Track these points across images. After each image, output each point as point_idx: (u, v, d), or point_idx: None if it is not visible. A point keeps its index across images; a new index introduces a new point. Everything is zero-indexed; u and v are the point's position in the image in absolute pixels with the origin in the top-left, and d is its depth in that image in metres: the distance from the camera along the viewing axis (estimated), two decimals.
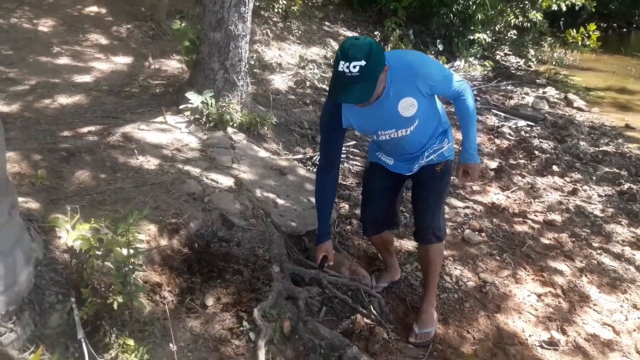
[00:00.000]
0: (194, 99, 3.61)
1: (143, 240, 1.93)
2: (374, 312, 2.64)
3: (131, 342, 1.82)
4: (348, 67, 1.89)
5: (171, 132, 3.56)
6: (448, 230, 3.63)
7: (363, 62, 1.89)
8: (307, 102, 5.08)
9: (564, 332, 2.80)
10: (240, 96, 3.94)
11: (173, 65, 5.40)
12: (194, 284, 2.40)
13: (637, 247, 3.74)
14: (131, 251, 1.76)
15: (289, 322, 2.27)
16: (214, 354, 2.11)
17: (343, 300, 2.66)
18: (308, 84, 5.51)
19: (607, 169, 5.22)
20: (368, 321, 2.58)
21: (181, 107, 3.71)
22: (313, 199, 3.26)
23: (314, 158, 3.99)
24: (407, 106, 2.19)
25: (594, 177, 4.99)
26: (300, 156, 3.95)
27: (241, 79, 3.91)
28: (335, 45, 7.24)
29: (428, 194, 2.53)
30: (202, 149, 3.44)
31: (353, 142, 4.31)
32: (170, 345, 1.75)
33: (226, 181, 3.10)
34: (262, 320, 2.20)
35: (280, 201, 3.11)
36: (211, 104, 3.67)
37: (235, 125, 3.77)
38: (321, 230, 2.48)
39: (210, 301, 2.34)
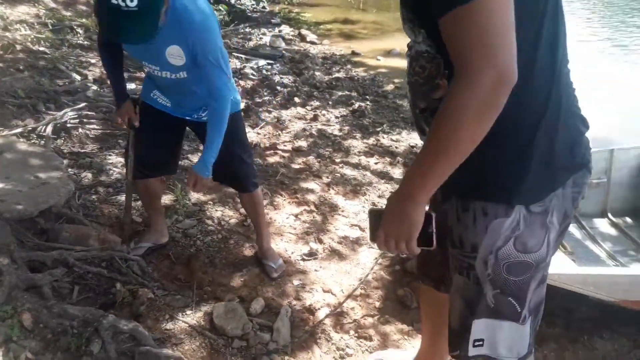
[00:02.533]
0: None
1: None
2: (135, 275, 2.50)
3: None
4: (124, 1, 1.63)
5: None
6: None
7: None
8: (21, 67, 4.37)
9: (320, 242, 3.07)
10: None
11: None
12: None
13: (370, 155, 4.27)
14: None
15: (29, 313, 1.98)
16: None
17: (97, 273, 2.44)
18: (19, 47, 4.73)
19: (340, 93, 5.80)
20: (130, 286, 2.43)
21: None
22: (42, 175, 2.87)
23: (38, 129, 3.48)
24: (175, 55, 2.05)
25: (330, 102, 5.50)
26: (19, 130, 3.40)
27: None
28: (48, 2, 6.33)
29: (228, 150, 2.33)
30: None
31: (84, 104, 3.88)
32: None
33: None
34: None
35: None
36: None
37: None
38: (116, 94, 2.42)
39: None
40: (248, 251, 2.90)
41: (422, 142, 1.24)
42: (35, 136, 3.43)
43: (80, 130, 3.69)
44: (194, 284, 2.54)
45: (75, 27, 5.99)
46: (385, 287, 2.70)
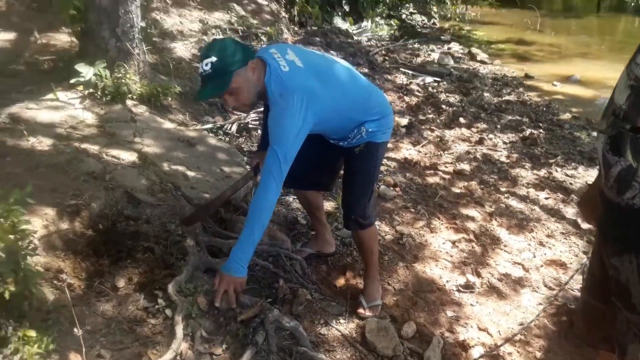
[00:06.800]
0: (85, 71, 3.33)
1: (29, 221, 1.74)
2: (296, 274, 2.62)
3: (33, 333, 1.67)
4: (203, 66, 1.97)
5: (64, 110, 3.27)
6: None
7: (214, 59, 1.94)
8: None
9: (478, 275, 2.94)
10: (138, 66, 3.69)
11: (63, 39, 4.94)
12: (102, 266, 2.25)
13: (540, 188, 3.98)
14: (17, 235, 1.59)
15: (204, 296, 2.19)
16: (129, 335, 2.00)
17: (264, 266, 2.60)
18: None
19: (510, 117, 5.50)
20: (291, 284, 2.56)
21: (72, 81, 3.41)
22: (226, 169, 3.18)
23: (225, 127, 3.85)
24: None
25: (498, 126, 5.25)
26: (209, 126, 3.80)
27: (136, 47, 3.65)
28: (239, 10, 6.98)
29: (350, 176, 2.41)
30: (99, 124, 3.19)
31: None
32: (75, 330, 1.62)
33: (129, 157, 2.91)
34: (178, 295, 2.11)
35: (190, 173, 2.97)
36: (105, 75, 3.40)
37: (135, 97, 3.54)
38: (262, 138, 2.54)
39: (121, 282, 2.20)
40: (401, 270, 2.88)
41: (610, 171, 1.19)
42: (221, 132, 3.79)
43: (259, 131, 4.00)
44: (349, 294, 2.59)
45: (259, 35, 6.51)
46: (549, 338, 2.49)
